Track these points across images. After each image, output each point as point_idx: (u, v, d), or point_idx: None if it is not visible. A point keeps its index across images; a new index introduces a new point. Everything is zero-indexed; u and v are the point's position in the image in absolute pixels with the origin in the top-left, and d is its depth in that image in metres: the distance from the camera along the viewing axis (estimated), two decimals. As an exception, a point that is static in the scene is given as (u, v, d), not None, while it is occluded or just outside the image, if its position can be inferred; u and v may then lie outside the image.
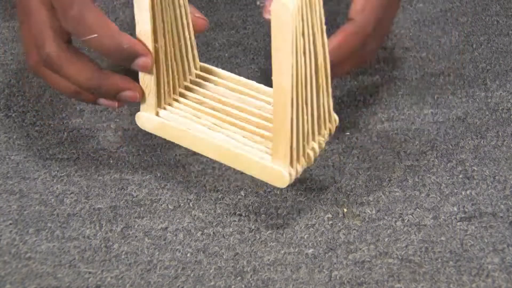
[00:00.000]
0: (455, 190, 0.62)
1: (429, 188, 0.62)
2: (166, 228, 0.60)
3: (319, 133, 0.59)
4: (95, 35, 0.57)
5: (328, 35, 0.57)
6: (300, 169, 0.57)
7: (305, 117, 0.56)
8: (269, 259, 0.58)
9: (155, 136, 0.62)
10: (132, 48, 0.58)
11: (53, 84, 0.62)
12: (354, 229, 0.60)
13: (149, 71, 0.59)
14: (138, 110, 0.62)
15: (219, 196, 0.62)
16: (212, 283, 0.57)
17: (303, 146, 0.57)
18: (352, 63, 0.63)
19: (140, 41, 0.59)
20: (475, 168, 0.63)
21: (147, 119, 0.61)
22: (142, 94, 0.61)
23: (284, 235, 0.60)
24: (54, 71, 0.61)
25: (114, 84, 0.60)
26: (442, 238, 0.59)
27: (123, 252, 0.59)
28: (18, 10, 0.63)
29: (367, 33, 0.60)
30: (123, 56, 0.58)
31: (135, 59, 0.59)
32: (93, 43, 0.58)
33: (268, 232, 0.60)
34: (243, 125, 0.60)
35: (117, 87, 0.60)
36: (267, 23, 0.66)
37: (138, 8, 0.57)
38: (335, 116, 0.60)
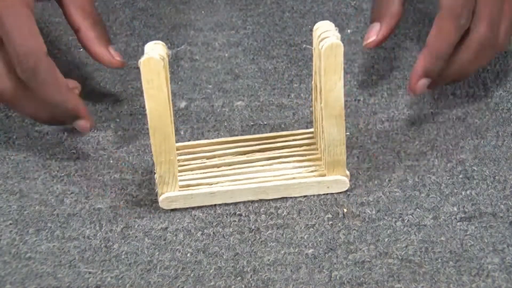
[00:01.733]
0: (455, 190, 0.62)
1: (429, 188, 0.62)
2: (166, 228, 0.60)
3: None
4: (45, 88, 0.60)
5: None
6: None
7: None
8: (269, 259, 0.58)
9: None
10: (76, 109, 0.62)
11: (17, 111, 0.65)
12: (354, 229, 0.60)
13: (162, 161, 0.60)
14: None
15: (219, 196, 0.62)
16: (212, 283, 0.57)
17: None
18: (468, 61, 0.63)
19: (82, 103, 0.62)
20: (475, 168, 0.63)
21: (173, 197, 0.61)
22: (93, 124, 0.63)
23: (284, 235, 0.60)
24: (9, 106, 0.63)
25: (66, 118, 0.63)
26: (442, 238, 0.59)
27: (123, 252, 0.59)
28: None
29: (457, 14, 0.59)
30: (66, 114, 0.62)
31: (76, 120, 0.62)
32: (42, 94, 0.60)
33: (268, 232, 0.60)
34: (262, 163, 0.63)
35: (69, 120, 0.63)
36: (267, 24, 0.65)
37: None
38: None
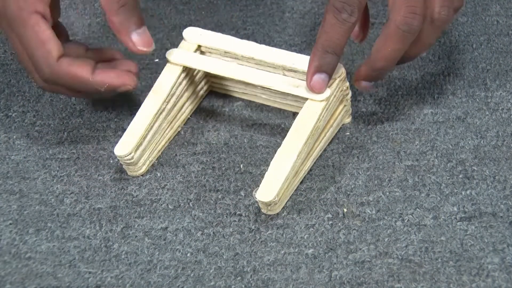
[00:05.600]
0: (455, 190, 0.62)
1: (429, 188, 0.62)
2: (166, 228, 0.60)
3: None
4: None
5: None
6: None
7: None
8: (269, 259, 0.58)
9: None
10: (111, 86, 0.62)
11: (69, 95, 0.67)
12: (354, 229, 0.60)
13: None
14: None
15: (219, 196, 0.62)
16: (212, 283, 0.57)
17: None
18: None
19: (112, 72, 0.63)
20: (475, 168, 0.63)
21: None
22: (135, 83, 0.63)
23: (284, 235, 0.60)
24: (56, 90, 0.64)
25: (105, 89, 0.63)
26: (442, 238, 0.59)
27: (123, 252, 0.59)
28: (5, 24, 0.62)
29: (339, 9, 0.60)
30: (105, 93, 0.63)
31: (116, 90, 0.63)
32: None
33: (268, 232, 0.60)
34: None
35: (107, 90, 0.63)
36: (267, 24, 0.65)
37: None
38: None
